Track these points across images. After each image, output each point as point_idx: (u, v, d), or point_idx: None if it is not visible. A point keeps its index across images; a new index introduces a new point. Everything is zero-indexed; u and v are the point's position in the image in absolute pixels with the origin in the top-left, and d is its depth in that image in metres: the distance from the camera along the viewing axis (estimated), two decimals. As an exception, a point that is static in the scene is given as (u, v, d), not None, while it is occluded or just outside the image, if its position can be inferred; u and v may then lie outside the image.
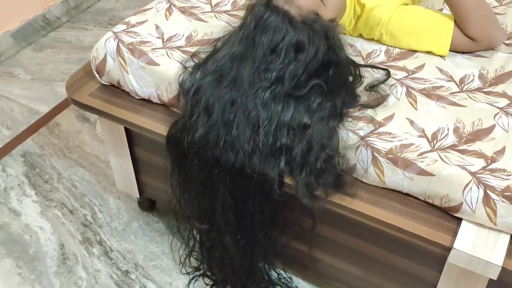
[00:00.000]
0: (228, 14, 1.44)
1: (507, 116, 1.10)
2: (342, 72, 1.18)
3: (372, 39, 1.34)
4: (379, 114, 1.13)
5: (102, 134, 1.99)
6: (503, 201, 0.98)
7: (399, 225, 1.06)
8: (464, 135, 1.07)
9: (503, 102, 1.14)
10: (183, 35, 1.34)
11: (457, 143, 1.06)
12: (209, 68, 1.18)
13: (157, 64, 1.27)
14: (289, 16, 1.10)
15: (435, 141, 1.06)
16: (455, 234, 1.03)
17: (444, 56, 1.27)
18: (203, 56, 1.27)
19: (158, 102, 1.33)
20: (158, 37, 1.33)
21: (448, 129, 1.09)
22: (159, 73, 1.27)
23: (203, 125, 1.16)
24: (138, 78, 1.31)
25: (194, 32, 1.35)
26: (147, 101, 1.35)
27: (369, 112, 1.14)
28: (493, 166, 1.01)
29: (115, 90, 1.39)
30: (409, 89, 1.19)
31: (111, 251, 1.63)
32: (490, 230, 1.03)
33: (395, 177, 1.08)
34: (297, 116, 1.12)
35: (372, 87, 1.19)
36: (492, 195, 0.99)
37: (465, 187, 1.00)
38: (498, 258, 0.98)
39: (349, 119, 1.13)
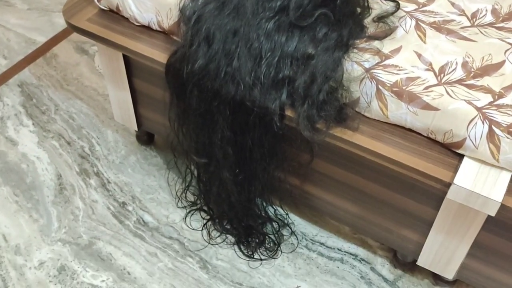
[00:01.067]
0: None
1: (518, 53, 1.07)
2: (350, 2, 1.14)
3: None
4: (386, 46, 1.09)
5: (100, 66, 1.95)
6: (507, 137, 0.96)
7: (400, 160, 1.04)
8: (472, 69, 1.04)
9: (515, 38, 1.10)
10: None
11: (465, 77, 1.02)
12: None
13: (157, -10, 1.22)
14: None
15: (442, 75, 1.03)
16: (456, 170, 1.02)
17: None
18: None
19: (158, 29, 1.29)
20: None
21: (456, 63, 1.05)
22: (159, -3, 1.22)
23: (203, 55, 1.13)
24: (137, 2, 1.26)
25: None
26: (147, 28, 1.31)
27: (376, 44, 1.10)
28: (500, 101, 0.98)
29: (114, 15, 1.34)
30: (419, 22, 1.15)
31: (108, 183, 1.62)
32: (492, 167, 1.01)
33: (398, 112, 1.05)
34: (302, 46, 1.09)
35: (380, 19, 1.15)
36: (497, 131, 0.96)
37: (470, 122, 0.98)
38: (497, 195, 0.97)
39: (355, 50, 1.09)
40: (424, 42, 1.10)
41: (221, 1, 1.13)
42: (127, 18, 1.32)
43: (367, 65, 1.07)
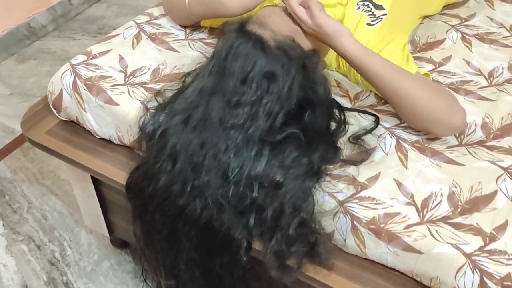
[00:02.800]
0: (204, 42, 1.29)
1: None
2: (320, 116, 1.02)
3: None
4: (363, 172, 0.98)
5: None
6: (502, 291, 0.82)
7: (381, 308, 0.91)
8: (460, 203, 0.91)
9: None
10: (149, 69, 1.19)
11: (451, 213, 0.90)
12: (176, 107, 1.04)
13: (117, 104, 1.13)
14: (261, 41, 0.96)
15: (425, 211, 0.91)
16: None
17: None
18: (169, 94, 1.13)
19: (120, 143, 1.19)
20: (121, 71, 1.19)
21: (442, 194, 0.93)
22: (119, 113, 1.13)
23: (166, 173, 1.02)
24: (96, 117, 1.16)
25: (163, 64, 1.21)
26: (109, 141, 1.21)
27: (351, 170, 0.99)
28: (491, 246, 0.85)
29: (75, 127, 1.25)
30: (400, 141, 1.04)
31: (77, 294, 1.50)
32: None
33: (378, 250, 0.93)
34: (270, 172, 0.97)
35: (356, 139, 1.04)
36: (489, 284, 0.83)
37: (458, 270, 0.85)
38: None
39: (328, 178, 0.98)
40: (406, 167, 0.98)
41: (187, 113, 1.03)
42: (88, 130, 1.23)
43: (340, 197, 0.95)
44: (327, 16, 1.01)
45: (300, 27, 1.06)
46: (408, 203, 0.92)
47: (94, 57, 1.22)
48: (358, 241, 0.94)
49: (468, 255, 0.85)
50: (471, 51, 1.25)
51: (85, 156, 1.20)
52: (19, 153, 1.93)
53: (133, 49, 1.24)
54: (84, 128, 1.23)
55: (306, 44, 1.06)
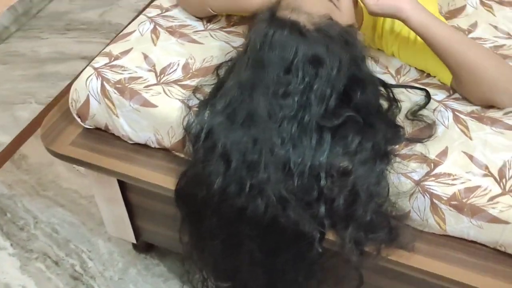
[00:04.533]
0: (225, 31, 1.22)
1: None
2: (371, 94, 0.99)
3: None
4: (430, 149, 0.96)
5: (86, 173, 1.75)
6: None
7: (470, 282, 0.91)
8: (534, 169, 0.92)
9: None
10: (178, 65, 1.12)
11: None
12: (217, 105, 0.98)
13: (155, 106, 1.06)
14: (298, 26, 0.91)
15: (504, 181, 0.91)
16: (535, 287, 0.89)
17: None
18: (207, 90, 1.07)
19: (158, 147, 1.12)
20: (150, 70, 1.11)
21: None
22: (158, 116, 1.06)
23: (221, 174, 0.97)
24: (131, 122, 1.09)
25: (191, 58, 1.14)
26: (143, 146, 1.14)
27: (419, 148, 0.97)
28: None
29: (102, 134, 1.17)
30: (456, 112, 1.02)
31: (110, 307, 1.43)
32: None
33: (459, 226, 0.92)
34: (335, 159, 0.94)
35: (414, 114, 1.02)
36: None
37: (548, 236, 0.86)
38: None
39: (397, 159, 0.96)
40: (470, 138, 0.97)
41: (230, 110, 0.98)
42: (118, 136, 1.15)
43: (416, 176, 0.93)
44: None
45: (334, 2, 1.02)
46: (485, 175, 0.92)
47: (117, 58, 1.13)
48: (437, 219, 0.93)
49: (557, 220, 0.85)
50: (494, 15, 1.25)
51: (119, 163, 1.12)
52: (10, 166, 1.80)
53: (155, 45, 1.17)
54: (112, 134, 1.15)
55: (341, 19, 1.02)
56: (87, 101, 1.10)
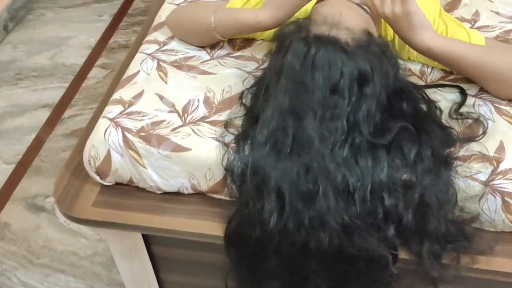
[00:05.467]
0: (233, 57, 1.15)
1: None
2: (414, 101, 0.97)
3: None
4: (488, 145, 0.93)
5: (78, 228, 1.61)
6: None
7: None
8: None
9: None
10: (198, 100, 1.04)
11: None
12: (258, 137, 0.91)
13: (187, 149, 0.97)
14: (340, 43, 0.87)
15: None
16: None
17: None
18: (238, 122, 1.00)
19: (192, 192, 1.03)
20: (171, 111, 1.02)
21: None
22: (192, 159, 0.97)
23: (275, 211, 0.89)
24: (161, 170, 1.00)
25: (209, 91, 1.06)
26: (174, 194, 1.05)
27: (475, 147, 0.94)
28: None
29: (123, 188, 1.06)
30: (495, 104, 1.01)
31: None
32: None
33: (533, 219, 0.90)
34: (396, 174, 0.90)
35: (457, 112, 0.99)
36: None
37: None
38: None
39: (459, 162, 0.92)
40: (520, 129, 0.96)
41: (273, 140, 0.91)
42: (142, 188, 1.05)
43: (482, 177, 0.91)
44: (417, 5, 0.95)
45: (369, 13, 0.99)
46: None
47: (131, 103, 1.04)
48: (510, 217, 0.91)
49: None
50: (491, 1, 1.26)
51: (150, 217, 1.03)
52: (-8, 238, 1.63)
53: (166, 83, 1.08)
54: (136, 187, 1.05)
55: (373, 31, 0.99)
56: (108, 157, 1.00)
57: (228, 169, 0.95)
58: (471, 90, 1.05)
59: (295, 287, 0.98)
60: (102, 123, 1.01)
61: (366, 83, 0.87)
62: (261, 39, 1.19)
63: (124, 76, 1.11)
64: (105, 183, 1.05)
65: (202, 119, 1.01)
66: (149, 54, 1.15)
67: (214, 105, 1.04)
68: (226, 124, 1.00)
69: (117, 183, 1.06)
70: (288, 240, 0.91)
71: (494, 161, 0.92)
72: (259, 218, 0.91)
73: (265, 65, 1.13)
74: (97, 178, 1.04)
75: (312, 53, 0.87)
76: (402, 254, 0.91)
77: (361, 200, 0.88)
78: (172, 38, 1.20)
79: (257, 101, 1.00)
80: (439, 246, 0.90)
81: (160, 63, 1.13)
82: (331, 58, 0.86)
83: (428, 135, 0.92)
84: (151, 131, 0.99)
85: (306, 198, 0.88)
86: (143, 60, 1.14)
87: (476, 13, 1.23)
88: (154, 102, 1.04)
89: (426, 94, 1.01)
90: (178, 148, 0.97)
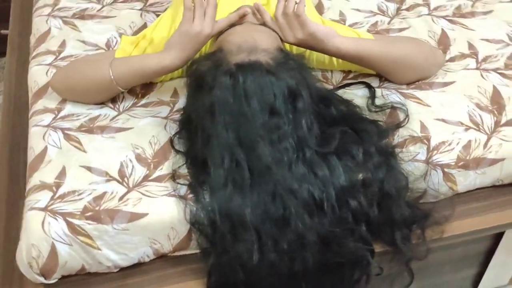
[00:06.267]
0: (140, 106, 1.09)
1: None
2: (338, 103, 1.04)
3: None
4: (411, 127, 1.03)
5: None
6: None
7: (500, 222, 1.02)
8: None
9: None
10: (130, 160, 0.96)
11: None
12: (216, 179, 0.89)
13: (144, 214, 0.89)
14: (264, 67, 0.89)
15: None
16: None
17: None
18: (183, 171, 0.95)
19: (154, 257, 0.95)
20: (108, 180, 0.92)
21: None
22: (153, 224, 0.90)
23: (253, 246, 0.88)
24: (119, 246, 0.90)
25: (137, 148, 0.99)
26: (133, 267, 0.95)
27: (403, 132, 1.03)
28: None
29: (72, 280, 0.93)
30: (399, 90, 1.12)
31: None
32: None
33: (467, 181, 1.03)
34: (352, 176, 0.94)
35: (376, 106, 1.08)
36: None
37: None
38: None
39: (398, 149, 1.00)
40: (427, 105, 1.08)
41: (232, 178, 0.89)
42: (94, 273, 0.93)
43: (422, 157, 1.00)
44: (314, 22, 0.99)
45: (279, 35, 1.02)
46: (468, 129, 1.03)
47: (58, 185, 0.91)
48: (450, 184, 1.01)
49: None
50: (348, 0, 1.38)
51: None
52: None
53: (85, 152, 0.97)
54: (88, 273, 0.93)
55: (283, 46, 1.03)
56: (53, 251, 0.86)
57: (195, 222, 0.90)
58: (373, 82, 1.14)
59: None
60: (34, 216, 0.87)
61: (297, 98, 0.90)
62: (160, 81, 1.14)
63: (31, 158, 0.97)
64: (50, 282, 0.91)
65: (145, 178, 0.94)
66: (47, 126, 1.02)
67: (149, 161, 0.97)
68: (173, 176, 0.94)
69: (63, 277, 0.92)
70: (273, 271, 0.90)
71: (425, 140, 1.01)
72: (240, 260, 0.88)
73: (178, 106, 1.09)
74: (41, 279, 0.89)
75: (241, 82, 0.87)
76: (378, 248, 0.96)
77: (331, 209, 0.90)
78: (64, 102, 1.08)
79: (194, 145, 0.96)
80: (407, 229, 0.97)
81: (65, 131, 1.01)
82: (260, 82, 0.87)
83: (366, 132, 0.98)
84: (97, 208, 0.88)
85: (280, 223, 0.88)
86: (44, 134, 1.00)
87: (342, 14, 1.34)
88: (84, 175, 0.93)
89: (339, 96, 1.07)
90: (134, 217, 0.89)
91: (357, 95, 1.10)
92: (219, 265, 0.91)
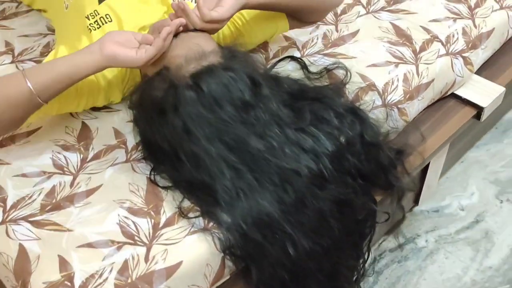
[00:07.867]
0: (95, 161, 0.97)
1: None
2: (287, 80, 1.05)
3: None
4: (355, 75, 1.09)
5: None
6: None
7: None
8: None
9: None
10: (125, 217, 0.86)
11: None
12: (227, 193, 0.86)
13: (179, 263, 0.82)
14: (219, 67, 0.89)
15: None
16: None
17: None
18: (186, 204, 0.90)
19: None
20: (119, 246, 0.81)
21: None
22: (190, 267, 0.83)
23: (283, 240, 0.88)
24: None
25: (123, 203, 0.88)
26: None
27: (351, 87, 1.09)
28: None
29: None
30: (321, 53, 1.18)
31: None
32: None
33: (414, 110, 1.13)
34: (335, 140, 0.98)
35: (313, 73, 1.11)
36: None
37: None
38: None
39: (357, 103, 1.06)
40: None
41: (239, 184, 0.87)
42: None
43: (378, 102, 1.07)
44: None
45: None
46: (397, 65, 1.13)
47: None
48: (404, 117, 1.11)
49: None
50: None
51: None
52: None
53: (73, 230, 0.84)
54: None
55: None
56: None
57: (226, 247, 0.86)
58: (295, 53, 1.17)
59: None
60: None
61: (260, 85, 0.91)
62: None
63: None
64: None
65: (156, 228, 0.85)
66: (2, 223, 0.85)
67: (146, 210, 0.88)
68: (182, 214, 0.87)
69: None
70: (310, 256, 0.90)
71: (372, 87, 1.09)
72: (280, 260, 0.88)
73: (131, 144, 1.00)
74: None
75: (206, 90, 0.85)
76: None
77: (332, 176, 0.93)
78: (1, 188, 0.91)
79: (180, 172, 0.90)
80: (394, 168, 1.04)
81: (31, 219, 0.85)
82: (224, 82, 0.86)
83: (327, 97, 1.02)
84: (129, 281, 0.78)
85: (298, 207, 0.89)
86: (6, 232, 0.83)
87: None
88: (94, 254, 0.80)
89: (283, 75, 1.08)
90: (171, 270, 0.81)
91: (290, 70, 1.12)
92: (263, 275, 0.88)
